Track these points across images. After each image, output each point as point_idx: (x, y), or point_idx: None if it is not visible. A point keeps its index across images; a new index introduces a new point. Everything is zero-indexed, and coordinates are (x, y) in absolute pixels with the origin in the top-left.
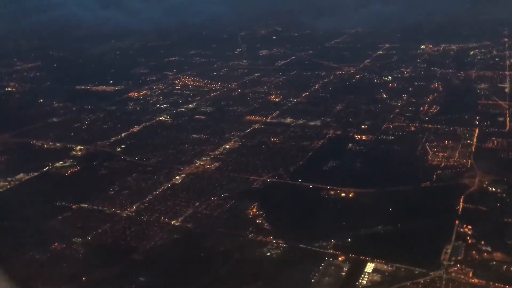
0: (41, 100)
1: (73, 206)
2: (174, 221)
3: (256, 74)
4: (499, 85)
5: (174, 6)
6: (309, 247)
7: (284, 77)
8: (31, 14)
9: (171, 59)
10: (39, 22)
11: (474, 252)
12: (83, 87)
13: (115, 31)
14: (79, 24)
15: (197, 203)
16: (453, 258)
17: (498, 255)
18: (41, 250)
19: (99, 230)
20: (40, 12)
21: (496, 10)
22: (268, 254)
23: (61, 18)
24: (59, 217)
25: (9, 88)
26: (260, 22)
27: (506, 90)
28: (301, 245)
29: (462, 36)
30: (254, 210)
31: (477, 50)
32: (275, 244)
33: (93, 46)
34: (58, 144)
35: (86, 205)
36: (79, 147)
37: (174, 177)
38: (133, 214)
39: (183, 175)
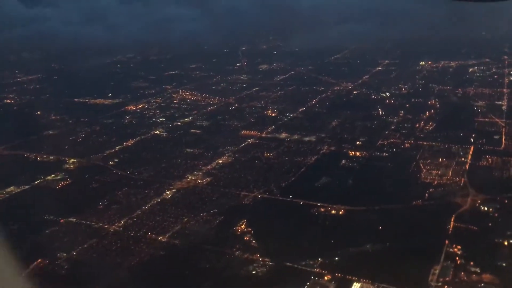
0: (39, 113)
1: (61, 220)
2: (161, 237)
3: (255, 89)
4: (496, 102)
5: (154, 22)
6: (296, 266)
7: (282, 92)
8: (12, 28)
9: (171, 72)
10: (22, 36)
11: (462, 273)
12: (81, 100)
13: (101, 46)
14: (63, 38)
15: (185, 219)
16: (441, 279)
17: (487, 276)
18: (22, 266)
19: (85, 245)
20: (22, 26)
21: (498, 27)
22: (254, 272)
23: (45, 32)
24: (46, 231)
25: (7, 100)
26: (237, 38)
27: (504, 107)
28: (288, 263)
29: (462, 53)
30: (242, 226)
31: (476, 67)
32: (261, 262)
33: (94, 59)
34: (51, 157)
35: (74, 219)
36: (72, 160)
37: (165, 192)
38: (121, 229)
39: (173, 190)
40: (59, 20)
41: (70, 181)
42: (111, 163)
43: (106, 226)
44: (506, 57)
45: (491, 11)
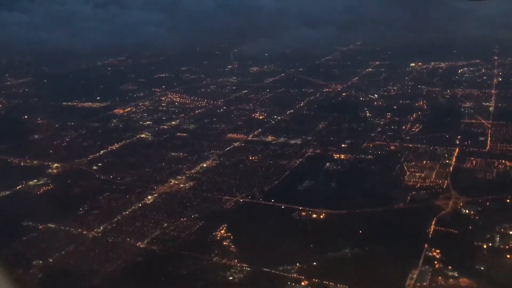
0: (26, 117)
1: (40, 227)
2: (139, 243)
3: (244, 91)
4: (484, 103)
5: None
6: (273, 271)
7: (271, 94)
8: None
9: (161, 75)
10: None
11: (440, 277)
12: (69, 104)
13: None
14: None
15: (165, 224)
16: (418, 284)
17: (464, 280)
18: None
19: (62, 252)
20: None
21: (489, 28)
22: (230, 278)
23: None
24: (24, 238)
25: None
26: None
27: (491, 109)
28: (265, 269)
29: (452, 54)
30: (222, 231)
31: (466, 68)
32: (238, 268)
33: (83, 62)
34: (35, 162)
35: (53, 225)
36: (55, 165)
37: (146, 197)
38: (99, 235)
39: (155, 195)
40: (25, 25)
41: (52, 186)
42: (94, 167)
43: (85, 232)
44: (496, 57)
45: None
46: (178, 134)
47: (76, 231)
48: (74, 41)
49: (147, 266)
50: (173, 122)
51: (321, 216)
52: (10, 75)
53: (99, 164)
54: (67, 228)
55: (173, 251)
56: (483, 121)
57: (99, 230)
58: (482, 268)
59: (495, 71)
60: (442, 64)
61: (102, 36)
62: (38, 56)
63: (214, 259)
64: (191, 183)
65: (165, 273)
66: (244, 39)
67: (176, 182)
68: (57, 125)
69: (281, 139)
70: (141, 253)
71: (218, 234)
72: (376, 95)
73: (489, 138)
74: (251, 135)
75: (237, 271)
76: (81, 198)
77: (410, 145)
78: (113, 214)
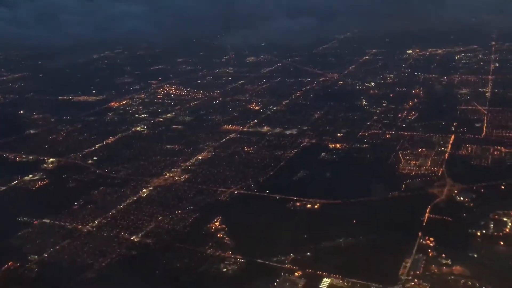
0: (21, 112)
1: (35, 222)
2: (134, 237)
3: (240, 82)
4: (480, 90)
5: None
6: (267, 262)
7: (268, 84)
8: None
9: (157, 67)
10: None
11: (433, 266)
12: (65, 98)
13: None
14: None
15: (160, 217)
16: (411, 273)
17: (457, 268)
18: None
19: (57, 247)
20: None
21: (488, 14)
22: (224, 270)
23: None
24: (19, 233)
25: None
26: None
27: (487, 95)
28: (259, 260)
29: (450, 40)
30: (217, 223)
31: (463, 54)
32: (232, 260)
33: (80, 56)
34: (30, 157)
35: (48, 220)
36: (51, 159)
37: (141, 190)
38: (94, 229)
39: (150, 188)
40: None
41: (47, 181)
42: (89, 161)
43: (80, 227)
44: (493, 43)
45: None
46: (174, 126)
47: (71, 226)
48: (56, 36)
49: (141, 260)
50: (168, 115)
51: (316, 206)
52: (6, 70)
53: (94, 158)
54: (62, 223)
55: (167, 244)
56: (479, 107)
57: (93, 225)
58: (475, 256)
59: (492, 56)
60: (440, 51)
61: (86, 30)
62: (34, 50)
63: (209, 251)
64: (186, 176)
65: (159, 266)
66: (226, 29)
67: (171, 175)
68: (52, 119)
69: (277, 130)
70: (136, 246)
71: (213, 226)
72: (372, 83)
73: (485, 125)
74: (246, 126)
75: (231, 262)
76: (76, 193)
77: (406, 133)
78: (108, 208)
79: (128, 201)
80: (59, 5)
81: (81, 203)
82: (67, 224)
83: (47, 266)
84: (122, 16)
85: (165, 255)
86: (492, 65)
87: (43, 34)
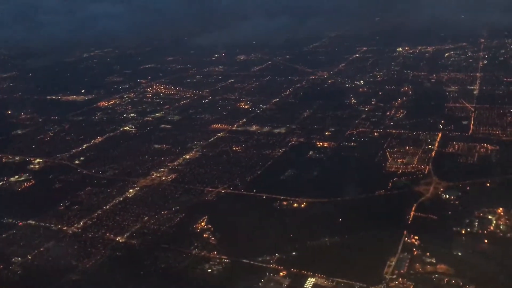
0: (9, 112)
1: (20, 223)
2: (119, 237)
3: (230, 80)
4: (468, 87)
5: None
6: (252, 262)
7: (257, 83)
8: None
9: (147, 66)
10: None
11: (417, 264)
12: (53, 97)
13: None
14: None
15: (145, 218)
16: (396, 272)
17: (441, 267)
18: None
19: (41, 249)
20: None
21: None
22: (209, 270)
23: None
24: (3, 235)
25: None
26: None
27: (475, 92)
28: (244, 260)
29: (439, 38)
30: (203, 223)
31: (452, 52)
32: (218, 260)
33: (69, 54)
34: (17, 158)
35: (33, 222)
36: (38, 160)
37: (128, 191)
38: (79, 230)
39: (136, 188)
40: None
41: (33, 182)
42: (76, 162)
43: (65, 228)
44: (483, 40)
45: None
46: (162, 125)
47: (56, 227)
48: (33, 36)
49: (126, 261)
50: (157, 114)
51: (302, 205)
52: None
53: (82, 159)
54: (47, 224)
55: (152, 244)
56: (467, 104)
57: (79, 226)
58: (459, 254)
59: (480, 53)
60: (429, 48)
61: (62, 30)
62: (24, 50)
63: (194, 251)
64: (173, 176)
65: (143, 267)
66: (202, 29)
67: (158, 175)
68: (40, 119)
69: (266, 129)
70: (120, 247)
71: (199, 226)
72: (362, 81)
73: (472, 122)
74: (235, 125)
75: (216, 263)
76: (62, 194)
77: (394, 131)
78: (94, 209)
79: (114, 201)
80: (36, 5)
81: (67, 204)
82: (52, 225)
83: (31, 269)
84: (99, 17)
85: (150, 256)
86: (481, 63)
87: (20, 35)
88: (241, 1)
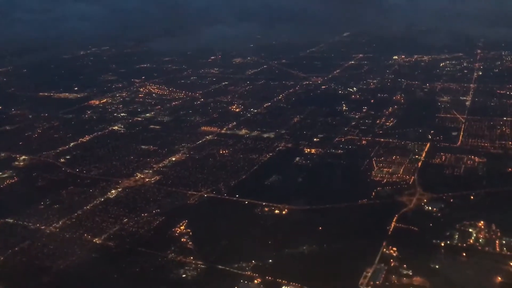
0: (0, 107)
1: None
2: (96, 239)
3: (224, 83)
4: (461, 98)
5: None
6: (228, 269)
7: (251, 86)
8: None
9: (142, 65)
10: None
11: (393, 276)
12: (46, 94)
13: None
14: None
15: (125, 220)
16: (371, 283)
17: (417, 279)
18: None
19: (16, 249)
20: None
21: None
22: (184, 276)
23: None
24: None
25: None
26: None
27: (467, 103)
28: (220, 266)
29: (436, 47)
30: (182, 227)
31: (448, 62)
32: (193, 265)
33: (67, 51)
34: (2, 154)
35: (11, 220)
36: (23, 157)
37: (110, 191)
38: (57, 230)
39: (119, 189)
40: None
41: (16, 179)
42: (62, 160)
43: (43, 227)
44: (479, 51)
45: None
46: (151, 126)
47: (34, 226)
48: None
49: (100, 263)
50: (147, 114)
51: (284, 212)
52: None
53: (67, 157)
54: (25, 223)
55: (129, 247)
56: (458, 115)
57: (57, 225)
58: (437, 267)
59: (476, 64)
60: (425, 57)
61: (32, 29)
62: (19, 45)
63: (170, 256)
64: (157, 177)
65: (117, 270)
66: (164, 34)
67: (142, 176)
68: (30, 116)
69: (255, 133)
70: (97, 249)
71: (178, 230)
72: (355, 88)
73: (461, 133)
74: (225, 128)
75: (191, 268)
76: (44, 192)
77: (382, 139)
78: (74, 209)
79: (95, 202)
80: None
81: (48, 202)
82: (30, 224)
83: (2, 269)
84: (71, 17)
85: (125, 259)
86: (476, 74)
87: None
88: (214, 5)
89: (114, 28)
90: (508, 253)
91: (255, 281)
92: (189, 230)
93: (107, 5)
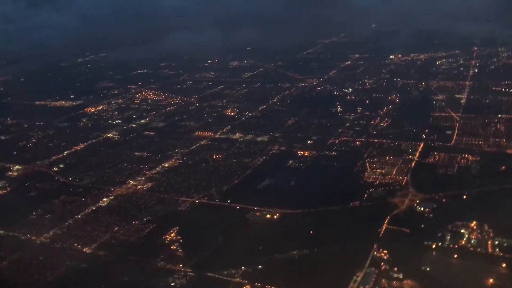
0: None
1: None
2: (86, 248)
3: (220, 87)
4: (456, 96)
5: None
6: (217, 276)
7: (247, 89)
8: None
9: (139, 71)
10: None
11: (384, 280)
12: (42, 103)
13: None
14: None
15: (116, 228)
16: (361, 287)
17: (408, 282)
18: None
19: (4, 262)
20: None
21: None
22: (173, 284)
23: None
24: None
25: None
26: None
27: (462, 101)
28: (209, 274)
29: (433, 45)
30: (172, 235)
31: (444, 60)
32: (182, 273)
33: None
34: None
35: (2, 232)
36: (17, 167)
37: (102, 200)
38: (48, 240)
39: (111, 197)
40: None
41: (9, 189)
42: (55, 169)
43: (34, 238)
44: (476, 48)
45: None
46: (146, 132)
47: (25, 237)
48: None
49: (90, 273)
50: (142, 121)
51: (275, 216)
52: None
53: (61, 166)
54: (16, 233)
55: (119, 256)
56: (452, 114)
57: (48, 236)
58: (428, 269)
59: (472, 62)
60: (421, 56)
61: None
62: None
63: (160, 264)
64: (150, 184)
65: (106, 280)
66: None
67: (134, 184)
68: (26, 125)
69: (249, 137)
70: (87, 259)
71: (168, 237)
72: (350, 89)
73: (456, 132)
74: (219, 133)
75: (180, 276)
76: (36, 202)
77: (376, 140)
78: (66, 218)
79: (86, 210)
80: None
81: (40, 212)
82: (21, 235)
83: None
84: (37, 27)
85: (115, 267)
86: (471, 71)
87: None
88: (185, 12)
89: (79, 37)
90: (500, 254)
91: (244, 287)
92: (179, 237)
93: (74, 14)
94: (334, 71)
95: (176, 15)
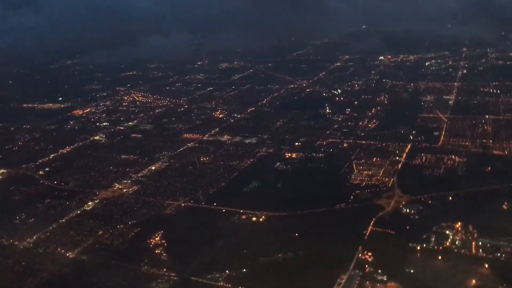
0: None
1: None
2: (69, 253)
3: (209, 89)
4: (444, 97)
5: None
6: (200, 280)
7: (236, 91)
8: None
9: (128, 73)
10: None
11: (368, 282)
12: (30, 105)
13: None
14: None
15: (100, 232)
16: None
17: (392, 284)
18: None
19: None
20: None
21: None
22: None
23: None
24: None
25: None
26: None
27: (450, 102)
28: (193, 278)
29: (423, 47)
30: (157, 239)
31: (433, 61)
32: (166, 277)
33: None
34: None
35: None
36: (2, 170)
37: (87, 203)
38: (31, 245)
39: (96, 201)
40: None
41: None
42: (41, 172)
43: (17, 243)
44: (465, 49)
45: None
46: (133, 135)
47: (8, 242)
48: None
49: (72, 278)
50: (130, 123)
51: (261, 219)
52: None
53: (46, 169)
54: None
55: (102, 261)
56: (440, 115)
57: (31, 240)
58: (412, 271)
59: (461, 63)
60: (411, 57)
61: None
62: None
63: (143, 268)
64: (135, 187)
65: (89, 285)
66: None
67: (120, 187)
68: (12, 128)
69: (237, 139)
70: (69, 264)
71: (152, 241)
72: (339, 91)
73: (443, 133)
74: (207, 135)
75: (164, 280)
76: (21, 206)
77: (363, 142)
78: (49, 222)
79: (71, 214)
80: None
81: (23, 217)
82: (3, 240)
83: None
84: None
85: (98, 272)
86: (460, 72)
87: None
88: (157, 15)
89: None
90: (484, 254)
91: None
92: (164, 241)
93: (47, 16)
94: (323, 73)
95: (145, 20)
